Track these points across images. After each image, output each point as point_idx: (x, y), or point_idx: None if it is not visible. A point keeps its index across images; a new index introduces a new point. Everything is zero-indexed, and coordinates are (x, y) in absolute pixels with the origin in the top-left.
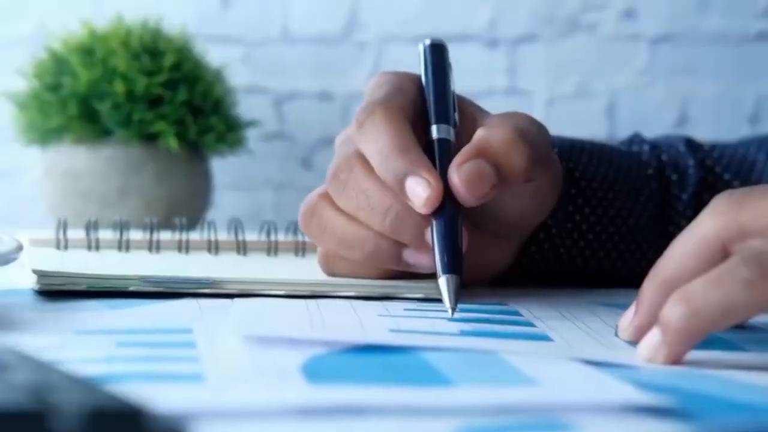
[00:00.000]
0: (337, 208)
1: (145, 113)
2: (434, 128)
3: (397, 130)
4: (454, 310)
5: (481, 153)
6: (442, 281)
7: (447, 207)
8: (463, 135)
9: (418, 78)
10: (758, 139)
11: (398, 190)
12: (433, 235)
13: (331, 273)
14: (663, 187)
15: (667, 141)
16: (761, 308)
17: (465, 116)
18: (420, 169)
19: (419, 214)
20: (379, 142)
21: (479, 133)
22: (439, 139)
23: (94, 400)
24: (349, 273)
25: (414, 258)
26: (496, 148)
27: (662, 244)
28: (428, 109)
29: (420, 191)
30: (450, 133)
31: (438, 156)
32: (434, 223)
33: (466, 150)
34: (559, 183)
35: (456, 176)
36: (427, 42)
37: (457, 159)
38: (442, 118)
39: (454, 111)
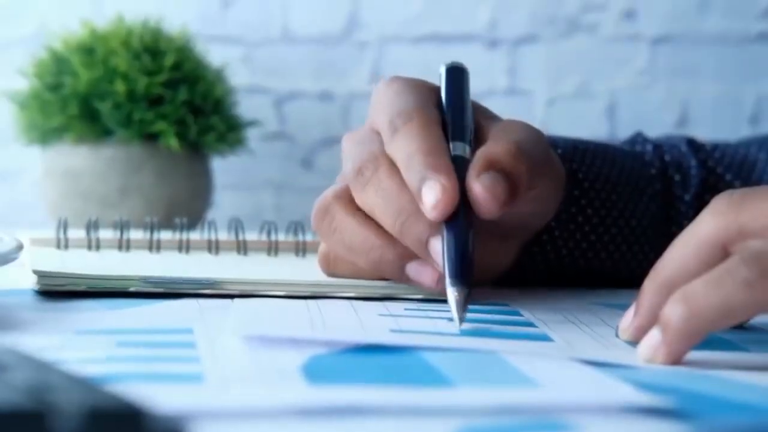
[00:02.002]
0: (350, 211)
1: (145, 113)
2: (450, 145)
3: (430, 135)
4: (461, 321)
5: (493, 166)
6: (451, 293)
7: (461, 218)
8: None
9: (435, 87)
10: (759, 139)
11: (415, 194)
12: (444, 244)
13: (331, 274)
14: (666, 187)
15: (670, 141)
16: (761, 308)
17: (475, 129)
18: (439, 173)
19: (427, 222)
20: (410, 146)
21: (483, 150)
22: (455, 156)
23: (94, 400)
24: (350, 274)
25: (416, 272)
26: (503, 162)
27: (664, 245)
28: (446, 126)
29: (431, 195)
30: (466, 152)
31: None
32: (446, 232)
33: (477, 164)
34: (562, 186)
35: (478, 186)
36: (447, 65)
37: (472, 172)
38: (458, 136)
39: (471, 133)
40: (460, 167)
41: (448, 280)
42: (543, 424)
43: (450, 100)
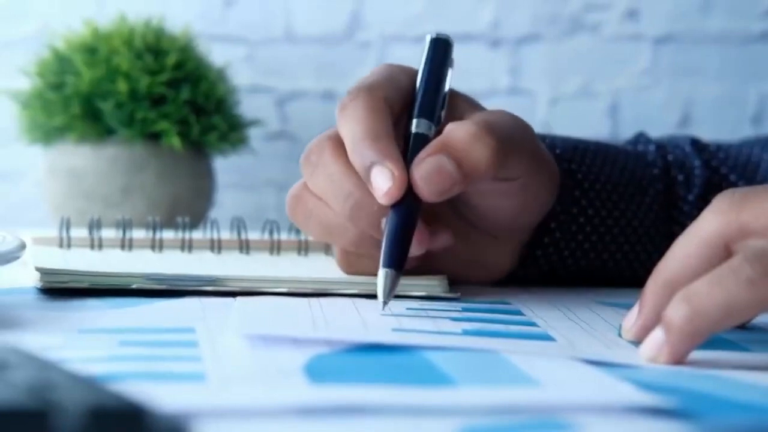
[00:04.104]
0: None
1: (147, 112)
2: (414, 122)
3: (376, 117)
4: (385, 304)
5: (444, 148)
6: (381, 274)
7: (407, 201)
8: None
9: (415, 72)
10: (762, 139)
11: (364, 178)
12: (386, 225)
13: (352, 272)
14: (668, 187)
15: (673, 141)
16: (764, 307)
17: (453, 115)
18: (387, 159)
19: (376, 203)
20: (355, 127)
21: (446, 129)
22: (416, 134)
23: (96, 399)
24: (373, 271)
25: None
26: (457, 143)
27: (667, 246)
28: (414, 103)
29: (382, 182)
30: (430, 130)
31: (410, 150)
32: (390, 214)
33: (429, 145)
34: (555, 183)
35: (416, 172)
36: (433, 35)
37: (420, 154)
38: (424, 113)
39: (442, 109)
40: (418, 146)
41: (381, 262)
42: (544, 423)
43: (426, 76)
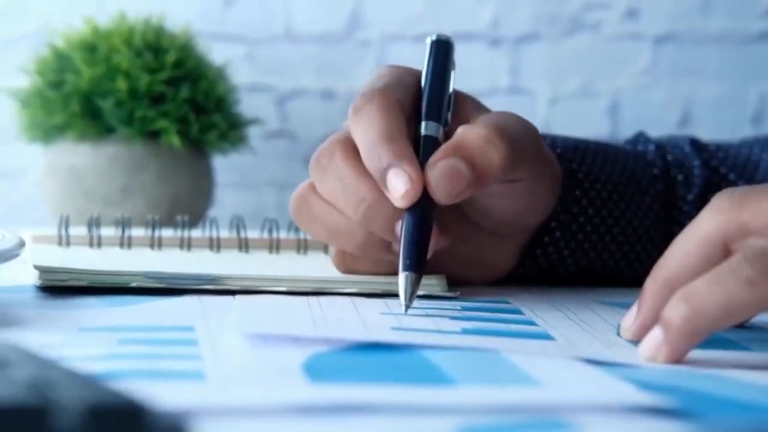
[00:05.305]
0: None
1: (147, 111)
2: (423, 125)
3: (390, 120)
4: (408, 308)
5: (457, 151)
6: (402, 278)
7: (421, 203)
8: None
9: (418, 73)
10: (762, 139)
11: (380, 180)
12: (402, 228)
13: (349, 271)
14: (668, 187)
15: (672, 141)
16: (763, 307)
17: (459, 116)
18: (403, 161)
19: (391, 206)
20: (370, 130)
21: (458, 132)
22: (426, 136)
23: (95, 397)
24: (369, 270)
25: None
26: (471, 146)
27: (666, 245)
28: (421, 105)
29: (399, 184)
30: (438, 132)
31: (422, 153)
32: (406, 217)
33: (442, 148)
34: (558, 183)
35: (430, 174)
36: (434, 37)
37: (433, 157)
38: (433, 116)
39: (448, 110)
40: (428, 148)
41: (399, 266)
42: (544, 423)
43: (430, 78)
